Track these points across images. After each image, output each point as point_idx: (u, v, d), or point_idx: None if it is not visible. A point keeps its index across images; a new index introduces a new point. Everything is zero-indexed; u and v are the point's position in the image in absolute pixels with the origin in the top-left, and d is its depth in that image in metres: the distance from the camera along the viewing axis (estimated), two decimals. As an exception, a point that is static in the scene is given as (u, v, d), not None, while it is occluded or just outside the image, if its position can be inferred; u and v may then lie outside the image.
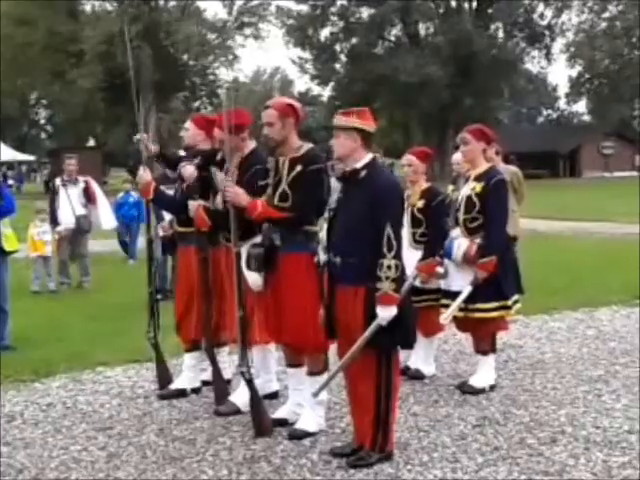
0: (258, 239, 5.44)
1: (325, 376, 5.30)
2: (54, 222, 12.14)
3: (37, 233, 12.17)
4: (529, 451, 5.04)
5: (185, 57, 51.52)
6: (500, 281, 6.12)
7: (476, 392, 6.21)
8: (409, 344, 5.00)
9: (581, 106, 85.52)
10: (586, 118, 78.46)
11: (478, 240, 6.12)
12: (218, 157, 5.86)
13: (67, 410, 6.08)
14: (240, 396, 5.88)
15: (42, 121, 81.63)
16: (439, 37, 54.01)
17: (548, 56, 59.29)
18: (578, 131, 65.49)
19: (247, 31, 53.29)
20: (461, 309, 6.15)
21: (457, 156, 7.21)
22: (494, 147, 6.74)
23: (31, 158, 59.90)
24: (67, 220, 12.14)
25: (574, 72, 67.11)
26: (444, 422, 5.61)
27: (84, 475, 4.83)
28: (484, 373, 6.34)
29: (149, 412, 5.98)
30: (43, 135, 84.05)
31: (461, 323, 6.38)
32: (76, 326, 9.21)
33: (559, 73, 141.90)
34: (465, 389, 6.27)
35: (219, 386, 6.03)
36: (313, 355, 5.41)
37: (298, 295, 5.22)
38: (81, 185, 12.30)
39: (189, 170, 6.10)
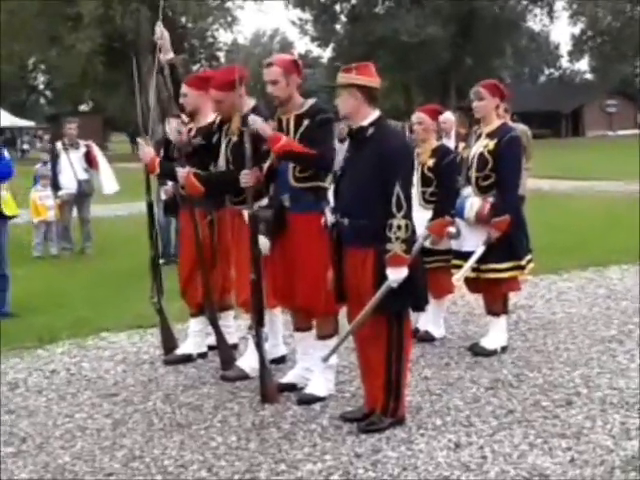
0: (266, 201, 5.30)
1: (335, 340, 5.19)
2: (56, 187, 12.00)
3: (39, 198, 12.04)
4: (544, 414, 4.92)
5: (184, 19, 50.91)
6: (513, 241, 5.97)
7: (488, 354, 6.09)
8: (421, 307, 4.86)
9: (583, 64, 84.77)
10: (588, 76, 77.77)
11: (491, 199, 5.96)
12: (216, 123, 5.69)
13: (71, 377, 5.97)
14: (247, 360, 5.77)
15: (41, 86, 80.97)
16: (440, -5, 53.30)
17: (550, 14, 58.77)
18: (581, 90, 64.86)
19: (246, -8, 52.65)
20: (473, 269, 6.01)
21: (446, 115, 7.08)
22: (504, 104, 6.56)
23: (31, 124, 59.46)
24: (69, 184, 12.00)
25: (576, 30, 66.51)
26: (456, 385, 5.50)
27: (89, 443, 4.73)
28: (496, 334, 6.21)
29: (154, 378, 5.87)
30: (42, 101, 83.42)
31: (473, 284, 6.24)
32: (79, 292, 9.10)
33: (561, 31, 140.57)
34: (477, 351, 6.15)
35: (224, 351, 5.92)
36: (323, 319, 5.29)
37: (309, 257, 5.08)
38: (82, 149, 12.14)
39: (172, 124, 5.87)
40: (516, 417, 4.89)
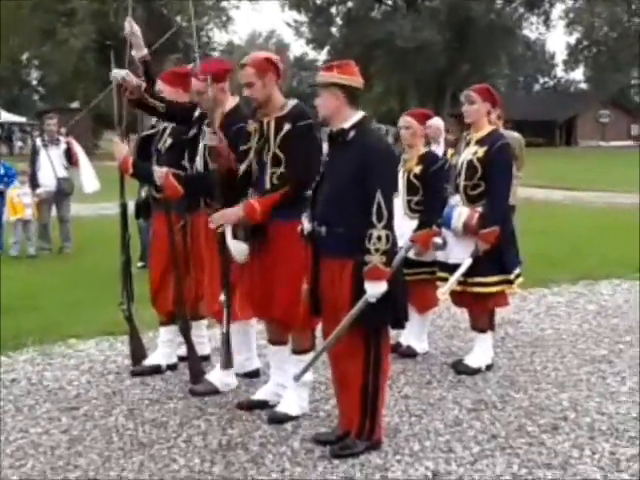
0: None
1: (311, 355, 4.89)
2: (34, 184, 11.65)
3: (17, 195, 11.70)
4: (529, 440, 4.63)
5: (178, 18, 50.55)
6: (502, 253, 5.68)
7: (472, 372, 5.79)
8: (400, 324, 4.53)
9: (578, 74, 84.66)
10: (583, 86, 77.65)
11: (479, 209, 5.66)
12: (196, 113, 5.37)
13: (31, 387, 5.64)
14: (218, 374, 5.47)
15: (34, 82, 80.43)
16: (436, 1, 53.10)
17: (547, 22, 58.50)
18: (575, 99, 64.66)
19: (242, -8, 52.36)
20: (459, 283, 5.71)
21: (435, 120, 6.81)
22: (498, 110, 6.27)
23: (22, 119, 59.00)
24: (48, 182, 11.66)
25: (572, 39, 66.34)
26: (437, 406, 5.20)
27: (41, 462, 4.40)
28: (480, 352, 5.92)
29: (119, 390, 5.55)
30: (35, 96, 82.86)
31: (458, 298, 5.94)
32: (53, 294, 8.76)
33: (557, 40, 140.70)
34: (460, 369, 5.85)
35: (194, 363, 5.60)
36: (300, 333, 4.98)
37: (288, 267, 4.76)
38: (62, 146, 11.81)
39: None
40: (499, 443, 4.58)
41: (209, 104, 5.02)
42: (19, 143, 53.29)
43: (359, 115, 4.39)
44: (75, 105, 55.73)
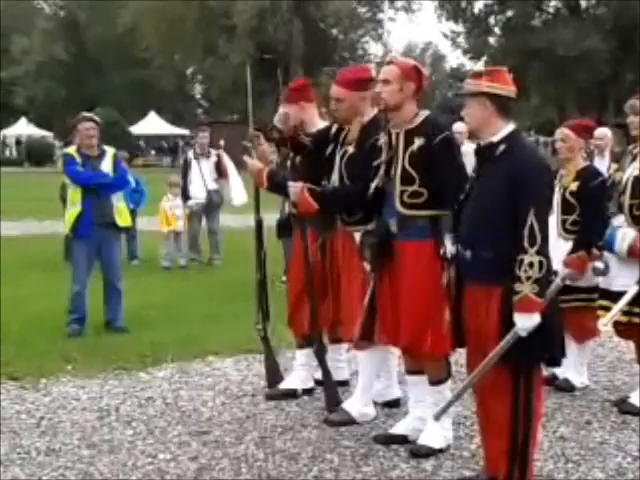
0: (373, 225, 4.66)
1: (448, 384, 4.54)
2: (186, 196, 11.78)
3: (169, 207, 11.86)
4: None
5: (334, 31, 51.05)
6: (675, 280, 5.06)
7: (638, 412, 5.19)
8: (556, 361, 4.03)
9: None
10: None
11: (648, 230, 5.08)
12: (332, 131, 5.10)
13: (166, 407, 5.49)
14: (355, 402, 5.14)
15: (197, 96, 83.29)
16: (601, 8, 51.03)
17: None
18: None
19: (398, 4, 52.17)
20: (624, 312, 5.13)
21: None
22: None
23: (185, 132, 61.14)
24: (199, 194, 11.75)
25: None
26: (598, 451, 4.65)
27: (165, 492, 4.21)
28: (648, 389, 5.31)
29: (253, 415, 5.30)
30: (199, 110, 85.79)
31: (623, 329, 5.35)
32: (197, 306, 8.73)
33: None
34: (625, 408, 5.27)
35: (330, 391, 5.29)
36: (431, 362, 4.59)
37: (416, 291, 4.39)
38: (213, 159, 11.87)
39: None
40: (670, 500, 4.02)
41: (346, 112, 4.75)
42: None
43: (510, 127, 3.95)
44: (235, 117, 57.38)
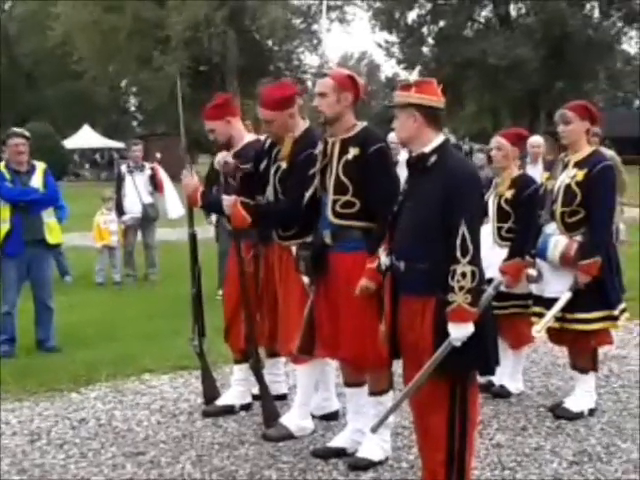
0: (310, 238, 4.63)
1: (390, 396, 4.50)
2: (120, 211, 11.58)
3: (103, 222, 11.67)
4: (640, 500, 4.08)
5: (270, 42, 51.00)
6: (605, 286, 5.14)
7: (573, 417, 5.26)
8: (490, 370, 4.04)
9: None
10: (686, 101, 74.74)
11: (579, 238, 5.14)
12: (265, 147, 5.06)
13: (99, 428, 5.36)
14: (293, 417, 5.09)
15: (132, 108, 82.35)
16: (531, 18, 52.02)
17: (647, 36, 56.47)
18: (678, 114, 62.24)
19: (332, 15, 52.40)
20: (557, 319, 5.19)
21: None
22: (596, 128, 5.73)
23: (121, 145, 60.39)
24: (134, 208, 11.56)
25: (675, 52, 63.86)
26: (533, 457, 4.68)
27: (99, 517, 4.10)
28: (582, 394, 5.37)
29: (190, 433, 5.22)
30: (134, 122, 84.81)
31: (556, 336, 5.42)
32: (132, 323, 8.57)
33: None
34: (559, 413, 5.32)
35: (268, 406, 5.23)
36: (374, 373, 4.57)
37: (353, 303, 4.36)
38: (147, 172, 11.69)
39: (218, 156, 5.27)
40: (605, 504, 4.06)
41: (278, 131, 4.73)
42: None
43: (440, 138, 3.96)
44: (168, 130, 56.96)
